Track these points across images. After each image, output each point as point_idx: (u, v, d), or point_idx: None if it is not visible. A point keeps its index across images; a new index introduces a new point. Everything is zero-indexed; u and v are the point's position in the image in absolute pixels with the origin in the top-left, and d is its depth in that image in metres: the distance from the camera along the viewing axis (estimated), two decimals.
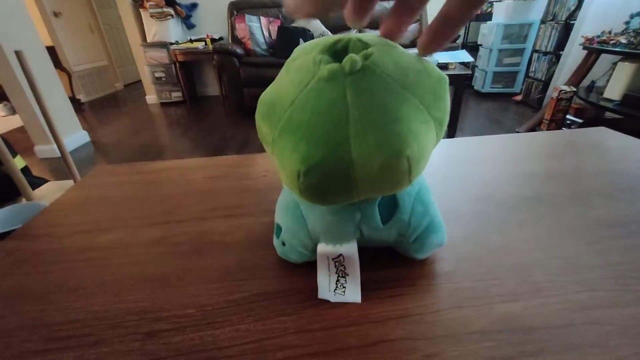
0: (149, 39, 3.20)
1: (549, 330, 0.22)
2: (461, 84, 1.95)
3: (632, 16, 1.94)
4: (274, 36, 2.90)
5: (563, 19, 2.61)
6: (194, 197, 0.42)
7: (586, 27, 2.31)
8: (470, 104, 3.09)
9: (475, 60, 3.34)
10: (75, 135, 2.44)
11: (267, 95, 0.21)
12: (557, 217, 0.34)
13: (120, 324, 0.25)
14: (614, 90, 1.81)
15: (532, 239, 0.31)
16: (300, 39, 2.72)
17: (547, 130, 2.10)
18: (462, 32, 3.36)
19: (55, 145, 2.23)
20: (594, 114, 2.23)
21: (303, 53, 0.21)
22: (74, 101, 3.33)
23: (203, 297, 0.27)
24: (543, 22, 2.85)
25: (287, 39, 2.75)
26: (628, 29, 1.89)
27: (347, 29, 2.85)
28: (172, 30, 3.18)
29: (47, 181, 1.08)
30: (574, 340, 0.21)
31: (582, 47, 2.07)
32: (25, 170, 1.01)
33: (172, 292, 0.27)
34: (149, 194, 0.43)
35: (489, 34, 3.08)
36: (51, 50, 2.78)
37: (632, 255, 0.28)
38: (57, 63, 3.18)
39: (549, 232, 0.32)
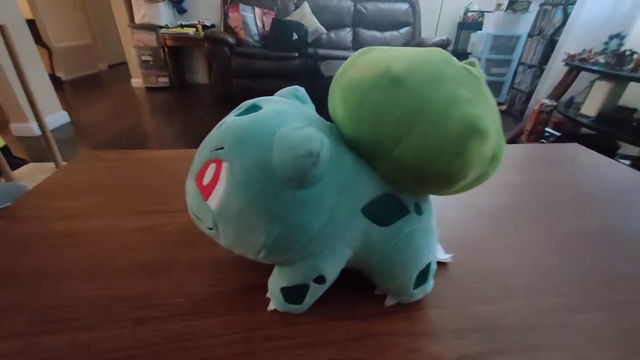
0: (137, 20, 3.09)
1: (518, 331, 0.24)
2: None
3: (610, 37, 2.04)
4: (267, 28, 2.87)
5: (549, 35, 2.71)
6: (183, 187, 0.42)
7: (569, 44, 2.41)
8: None
9: None
10: (54, 115, 2.33)
11: None
12: (531, 227, 0.36)
13: (111, 310, 0.25)
14: (591, 107, 1.90)
15: (508, 246, 0.33)
16: (294, 33, 2.70)
17: (527, 140, 2.19)
18: (453, 38, 3.42)
19: (32, 124, 2.13)
20: (570, 128, 2.33)
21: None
22: (54, 79, 3.17)
23: (193, 287, 0.27)
24: (530, 35, 2.94)
25: (281, 31, 2.72)
26: (607, 49, 1.99)
27: (342, 25, 2.85)
28: (163, 13, 3.08)
29: (27, 162, 1.04)
30: (540, 340, 0.23)
31: (564, 63, 2.16)
32: (5, 150, 0.97)
33: (161, 281, 0.28)
34: (138, 181, 0.43)
35: (478, 42, 3.16)
36: (31, 24, 2.64)
37: (597, 267, 0.31)
38: (38, 38, 3.02)
39: (523, 241, 0.34)
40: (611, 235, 0.35)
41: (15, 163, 0.95)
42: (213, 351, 0.22)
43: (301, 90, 0.27)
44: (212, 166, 0.21)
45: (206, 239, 0.33)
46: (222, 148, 0.21)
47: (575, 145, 0.60)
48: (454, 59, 0.22)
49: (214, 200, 0.21)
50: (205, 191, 0.21)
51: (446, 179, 0.20)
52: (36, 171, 0.96)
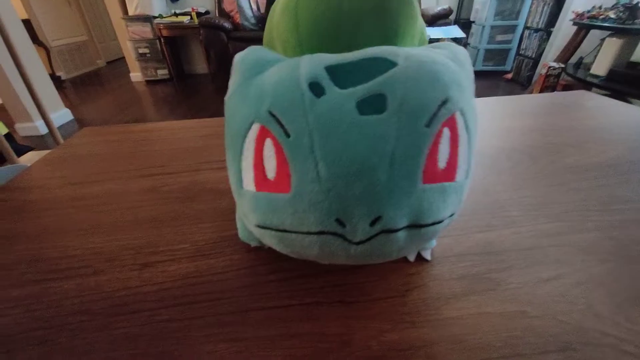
0: (130, 12, 3.05)
1: (518, 252, 0.24)
2: None
3: None
4: (262, 9, 2.81)
5: None
6: (185, 152, 0.42)
7: (577, 1, 2.30)
8: None
9: (468, 37, 3.30)
10: (58, 113, 2.36)
11: None
12: (531, 164, 0.36)
13: (117, 257, 0.26)
14: (601, 66, 1.83)
15: (508, 182, 0.33)
16: None
17: None
18: (455, 7, 3.30)
19: (37, 123, 2.16)
20: (580, 90, 2.27)
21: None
22: (54, 78, 3.19)
23: (196, 234, 0.28)
24: None
25: None
26: (618, 3, 1.90)
27: None
28: (155, 3, 3.04)
29: (32, 149, 1.06)
30: (539, 258, 0.23)
31: (572, 22, 2.07)
32: (9, 137, 0.99)
33: (166, 231, 0.28)
34: (139, 150, 0.44)
35: (482, 9, 3.04)
36: (27, 24, 2.64)
37: (595, 193, 0.30)
38: (34, 37, 3.02)
39: (523, 177, 0.34)
40: (610, 167, 0.35)
41: (20, 149, 0.97)
42: (218, 285, 0.23)
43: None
44: (446, 131, 0.15)
45: (208, 193, 0.33)
46: (447, 100, 0.14)
47: (581, 91, 0.58)
48: None
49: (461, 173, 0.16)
50: (446, 174, 0.15)
51: None
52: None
